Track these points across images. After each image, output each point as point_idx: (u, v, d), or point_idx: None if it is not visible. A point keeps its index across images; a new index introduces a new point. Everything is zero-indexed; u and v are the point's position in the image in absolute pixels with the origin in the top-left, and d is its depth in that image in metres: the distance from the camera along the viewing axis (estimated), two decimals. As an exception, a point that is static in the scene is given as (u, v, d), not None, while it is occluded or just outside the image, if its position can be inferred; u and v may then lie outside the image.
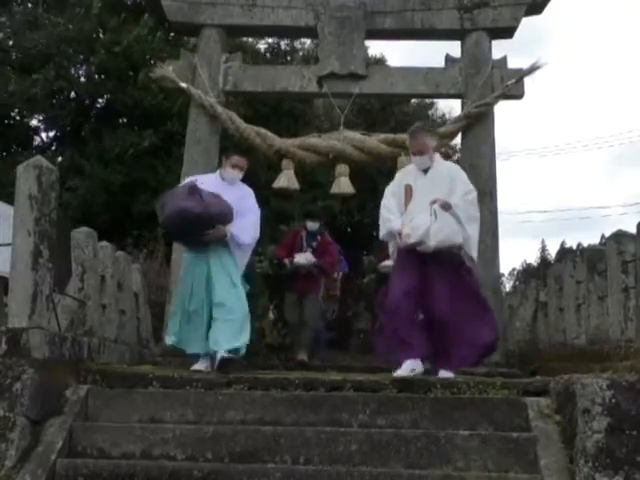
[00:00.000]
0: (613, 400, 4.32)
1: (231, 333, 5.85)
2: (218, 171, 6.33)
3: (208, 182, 6.05)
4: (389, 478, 4.44)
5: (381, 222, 5.80)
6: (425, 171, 5.69)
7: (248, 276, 6.39)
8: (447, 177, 5.64)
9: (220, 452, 4.72)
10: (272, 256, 9.83)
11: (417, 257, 5.51)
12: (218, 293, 5.89)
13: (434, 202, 5.40)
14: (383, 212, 5.77)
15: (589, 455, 4.21)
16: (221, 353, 5.75)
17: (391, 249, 5.89)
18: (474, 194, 5.65)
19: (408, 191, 5.64)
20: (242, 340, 5.91)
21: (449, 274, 5.52)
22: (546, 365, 7.17)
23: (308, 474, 4.48)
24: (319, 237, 8.77)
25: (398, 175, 5.93)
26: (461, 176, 5.71)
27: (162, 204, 5.83)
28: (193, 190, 5.76)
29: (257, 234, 6.13)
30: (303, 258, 8.52)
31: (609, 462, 4.19)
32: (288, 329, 9.43)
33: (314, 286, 8.74)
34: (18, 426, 4.69)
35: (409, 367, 5.40)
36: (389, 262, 6.44)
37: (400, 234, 5.53)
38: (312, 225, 8.75)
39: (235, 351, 5.85)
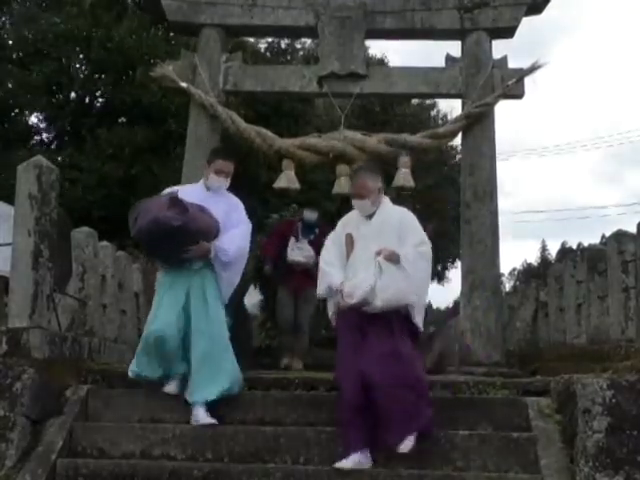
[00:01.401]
0: (613, 400, 4.32)
1: (205, 379, 4.99)
2: (201, 181, 5.53)
3: (191, 194, 5.28)
4: (389, 478, 4.45)
5: (319, 276, 5.01)
6: (370, 217, 4.95)
7: (232, 306, 5.52)
8: (396, 224, 4.88)
9: (220, 452, 4.73)
10: (258, 251, 8.85)
11: (361, 317, 4.70)
12: (194, 328, 5.06)
13: (379, 253, 4.70)
14: (322, 265, 5.01)
15: (589, 455, 4.22)
16: (197, 413, 4.93)
17: (330, 308, 5.02)
18: (427, 247, 4.86)
19: (349, 241, 4.93)
20: (220, 385, 5.01)
21: (393, 338, 4.67)
22: (546, 365, 7.15)
23: (308, 474, 4.49)
24: (317, 230, 7.87)
25: (340, 223, 5.15)
26: (413, 224, 4.93)
27: (137, 214, 5.10)
28: (174, 200, 5.06)
29: (247, 247, 5.39)
30: (301, 255, 7.85)
31: (609, 462, 4.19)
32: (278, 331, 8.48)
33: (311, 282, 7.63)
34: (18, 426, 4.70)
35: (356, 460, 4.51)
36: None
37: (342, 292, 4.75)
38: (310, 215, 7.98)
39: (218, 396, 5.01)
